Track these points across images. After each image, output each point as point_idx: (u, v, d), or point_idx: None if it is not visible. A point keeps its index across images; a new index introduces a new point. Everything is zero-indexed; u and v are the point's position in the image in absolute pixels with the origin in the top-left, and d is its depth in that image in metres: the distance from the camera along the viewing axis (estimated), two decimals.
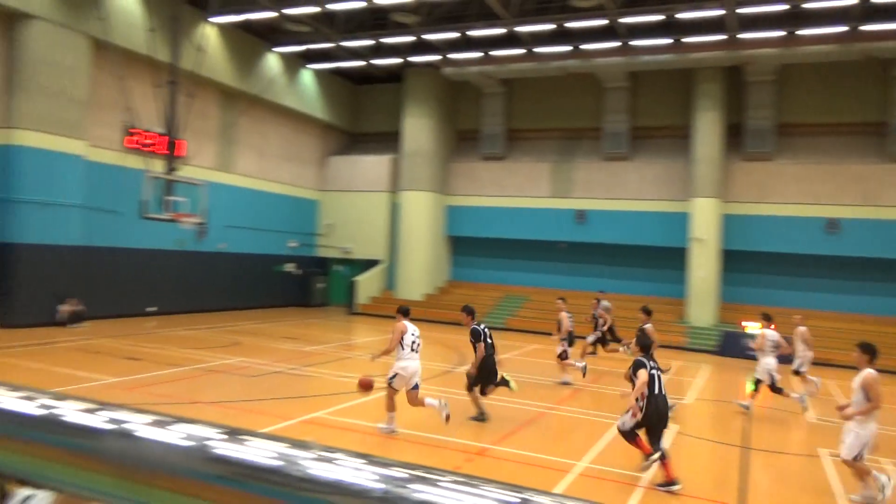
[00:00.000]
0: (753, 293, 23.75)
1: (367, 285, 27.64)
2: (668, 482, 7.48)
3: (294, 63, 26.45)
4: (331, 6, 20.61)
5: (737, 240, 23.70)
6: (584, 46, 23.01)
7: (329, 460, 0.87)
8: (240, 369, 13.49)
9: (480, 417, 10.18)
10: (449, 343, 19.29)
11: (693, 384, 15.29)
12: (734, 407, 12.41)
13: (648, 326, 12.11)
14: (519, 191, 27.16)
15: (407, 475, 0.83)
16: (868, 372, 7.37)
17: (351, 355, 16.92)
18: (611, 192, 25.78)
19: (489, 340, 10.32)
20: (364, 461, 0.87)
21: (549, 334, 16.25)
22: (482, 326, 10.41)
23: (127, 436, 1.01)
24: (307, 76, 27.51)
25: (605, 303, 17.93)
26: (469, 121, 28.81)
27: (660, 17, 20.41)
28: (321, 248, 29.74)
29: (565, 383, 13.79)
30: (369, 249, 28.90)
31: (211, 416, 9.36)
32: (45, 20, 17.29)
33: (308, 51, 25.73)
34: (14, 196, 17.11)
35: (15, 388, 1.22)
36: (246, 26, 23.47)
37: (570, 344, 13.92)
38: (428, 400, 9.26)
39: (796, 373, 14.11)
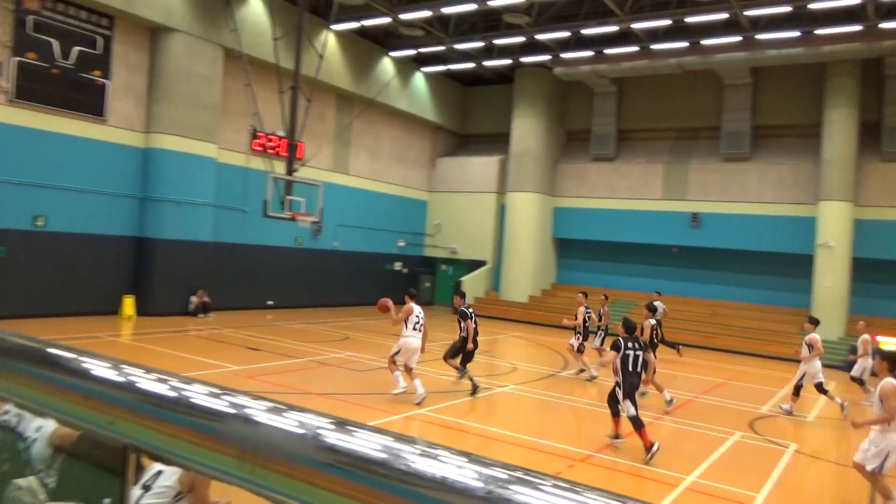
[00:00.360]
0: (888, 305, 21.75)
1: (472, 286, 27.81)
2: (615, 436, 9.11)
3: (407, 66, 27.08)
4: (444, 10, 20.92)
5: (870, 247, 21.75)
6: (703, 42, 21.98)
7: (433, 456, 0.89)
8: (349, 363, 13.98)
9: (467, 378, 11.71)
10: (554, 346, 19.03)
11: (818, 401, 14.20)
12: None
13: (651, 321, 12.76)
14: (630, 193, 26.36)
15: (508, 476, 0.84)
16: (887, 381, 7.03)
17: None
18: (728, 195, 24.46)
19: (474, 324, 12.01)
20: (466, 459, 0.88)
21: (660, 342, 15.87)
22: (470, 310, 12.17)
23: (247, 420, 1.08)
24: (419, 79, 28.08)
25: (658, 304, 17.06)
26: (579, 121, 28.30)
27: (787, 9, 19.11)
28: (428, 247, 30.24)
29: (592, 378, 13.80)
30: (475, 250, 29.07)
31: (321, 406, 9.75)
32: (184, 33, 18.73)
33: (420, 54, 26.27)
34: (154, 195, 18.65)
35: (149, 370, 1.33)
36: (362, 32, 24.30)
37: (585, 338, 14.18)
38: (416, 382, 10.53)
39: (856, 380, 13.61)
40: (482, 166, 29.27)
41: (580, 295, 14.80)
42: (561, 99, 28.18)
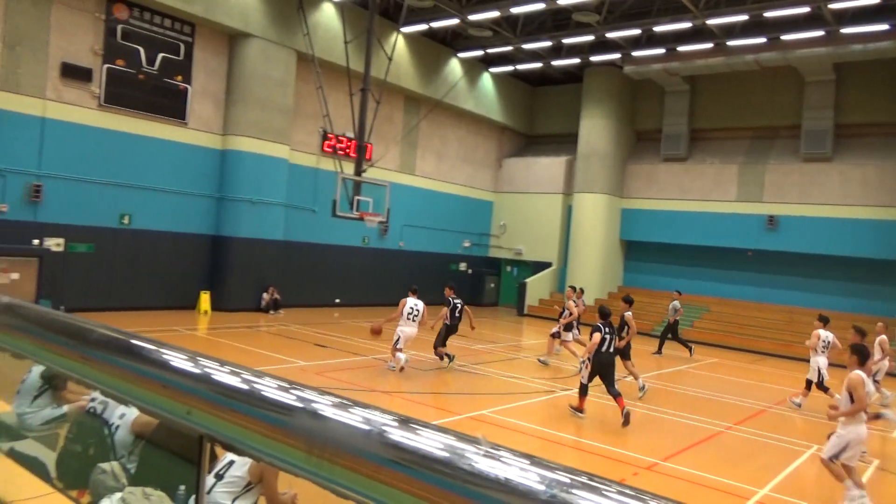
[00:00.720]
0: None
1: (537, 287, 27.57)
2: (578, 409, 10.35)
3: (474, 67, 27.11)
4: (513, 10, 20.83)
5: None
6: (783, 37, 21.06)
7: (496, 458, 0.89)
8: (413, 362, 14.10)
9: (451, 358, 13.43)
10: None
11: None
12: None
13: (629, 314, 13.07)
14: (702, 194, 25.53)
15: (572, 480, 0.83)
16: (855, 373, 7.23)
17: (518, 356, 16.98)
18: (808, 197, 23.34)
19: (457, 314, 13.46)
20: (529, 462, 0.88)
21: (728, 347, 16.16)
22: (458, 301, 13.55)
23: (315, 415, 1.11)
24: (486, 79, 28.07)
25: (676, 303, 18.57)
26: (649, 121, 27.63)
27: (874, 1, 18.07)
28: (493, 248, 30.19)
29: (544, 362, 15.22)
30: (540, 251, 28.82)
31: (385, 404, 9.88)
32: (260, 38, 19.38)
33: (488, 54, 26.25)
34: (230, 195, 19.38)
35: (223, 363, 1.39)
36: (430, 34, 24.49)
37: (568, 329, 15.39)
38: (400, 354, 12.42)
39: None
40: (549, 167, 28.99)
41: (570, 289, 16.87)
42: (631, 98, 27.59)
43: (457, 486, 0.88)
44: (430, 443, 0.95)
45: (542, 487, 0.82)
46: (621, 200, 27.50)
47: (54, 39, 15.85)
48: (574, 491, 0.81)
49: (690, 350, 18.32)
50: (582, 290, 17.03)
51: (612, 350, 10.34)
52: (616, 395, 10.04)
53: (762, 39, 21.38)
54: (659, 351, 18.61)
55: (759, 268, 24.70)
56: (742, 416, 11.76)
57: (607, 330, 10.26)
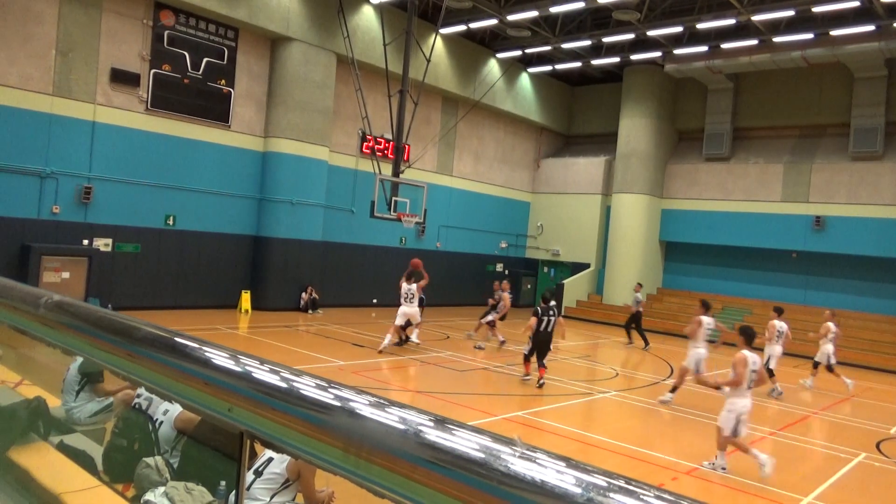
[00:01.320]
0: None
1: (574, 288, 27.31)
2: (526, 374, 12.51)
3: (512, 67, 27.02)
4: (552, 9, 20.69)
5: None
6: (832, 33, 20.45)
7: (532, 459, 0.89)
8: (449, 363, 14.13)
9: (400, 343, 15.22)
10: (661, 354, 18.36)
11: None
12: None
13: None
14: (745, 194, 24.94)
15: (609, 484, 0.82)
16: (741, 352, 8.33)
17: (555, 358, 16.85)
18: (857, 197, 22.60)
19: (410, 292, 14.76)
20: (565, 464, 0.88)
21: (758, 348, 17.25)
22: (411, 286, 14.84)
23: (352, 414, 1.12)
24: (524, 79, 27.94)
25: (638, 296, 19.59)
26: (691, 120, 27.12)
27: None
28: (531, 249, 30.03)
29: (479, 347, 16.24)
30: (578, 252, 28.55)
31: (421, 404, 9.93)
32: (301, 41, 19.66)
33: (526, 55, 26.12)
34: (271, 196, 19.70)
35: (264, 361, 1.41)
36: (469, 34, 24.49)
37: (502, 318, 16.95)
38: (389, 336, 14.52)
39: (817, 365, 14.62)
40: (587, 167, 28.70)
41: (505, 281, 17.96)
42: (672, 97, 27.14)
43: (492, 487, 0.88)
44: (465, 443, 0.96)
45: (578, 490, 0.82)
46: (661, 201, 27.06)
47: (104, 46, 16.36)
48: (611, 495, 0.80)
49: (646, 343, 18.95)
50: (507, 283, 18.15)
51: (549, 330, 12.23)
52: (543, 367, 12.17)
53: (809, 35, 20.80)
54: (631, 341, 19.56)
55: (805, 270, 24.03)
56: (786, 422, 11.46)
57: (549, 312, 12.23)
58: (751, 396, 8.36)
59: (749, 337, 8.55)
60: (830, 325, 14.52)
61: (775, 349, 13.58)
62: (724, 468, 8.08)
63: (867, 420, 12.22)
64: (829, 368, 14.41)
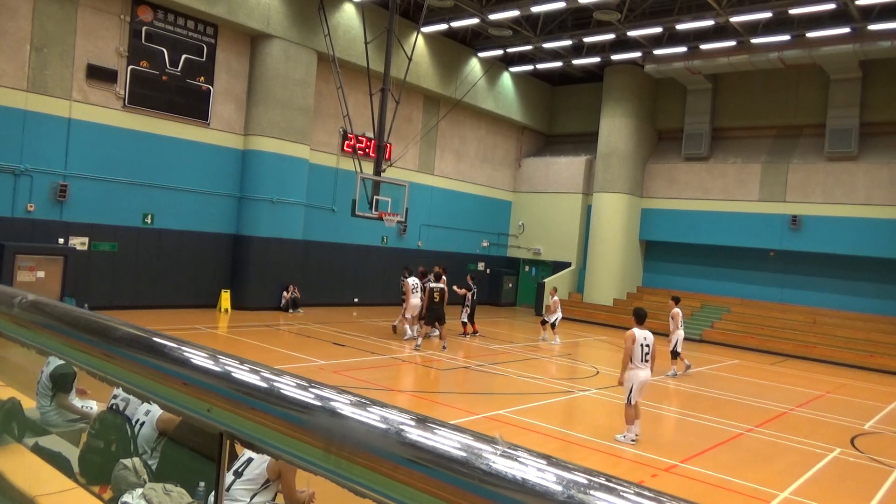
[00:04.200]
0: None
1: (555, 287, 27.40)
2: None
3: (494, 66, 27.07)
4: (533, 9, 20.75)
5: None
6: (808, 34, 20.75)
7: (513, 458, 0.89)
8: (431, 362, 14.13)
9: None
10: None
11: None
12: None
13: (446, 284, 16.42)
14: (724, 194, 25.25)
15: (589, 481, 0.83)
16: (630, 330, 9.27)
17: (536, 356, 16.93)
18: (832, 197, 22.98)
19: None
20: (546, 462, 0.88)
21: (749, 349, 17.11)
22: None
23: (333, 413, 1.12)
24: (506, 79, 28.00)
25: (555, 298, 20.02)
26: (670, 120, 27.39)
27: None
28: (512, 248, 30.12)
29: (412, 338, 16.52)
30: (559, 251, 28.70)
31: (402, 403, 9.91)
32: (281, 39, 19.51)
33: (508, 54, 26.18)
34: (251, 194, 19.54)
35: (243, 361, 1.40)
36: (450, 33, 24.48)
37: (421, 318, 16.65)
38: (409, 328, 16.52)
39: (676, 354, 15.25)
40: (568, 166, 28.85)
41: (406, 273, 18.14)
42: (651, 97, 27.38)
43: (474, 485, 0.88)
44: (447, 442, 0.95)
45: (559, 488, 0.82)
46: (641, 200, 27.29)
47: (80, 41, 16.10)
48: (591, 492, 0.81)
49: (555, 339, 19.32)
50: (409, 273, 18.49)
51: (441, 303, 15.41)
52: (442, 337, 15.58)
53: (786, 37, 21.09)
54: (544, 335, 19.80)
55: (782, 268, 24.39)
56: (763, 419, 11.62)
57: (444, 289, 15.66)
58: (647, 370, 9.26)
59: (639, 317, 9.40)
60: (678, 310, 15.22)
61: (679, 333, 14.84)
62: (633, 440, 8.98)
63: (842, 416, 12.43)
64: (675, 352, 14.93)
